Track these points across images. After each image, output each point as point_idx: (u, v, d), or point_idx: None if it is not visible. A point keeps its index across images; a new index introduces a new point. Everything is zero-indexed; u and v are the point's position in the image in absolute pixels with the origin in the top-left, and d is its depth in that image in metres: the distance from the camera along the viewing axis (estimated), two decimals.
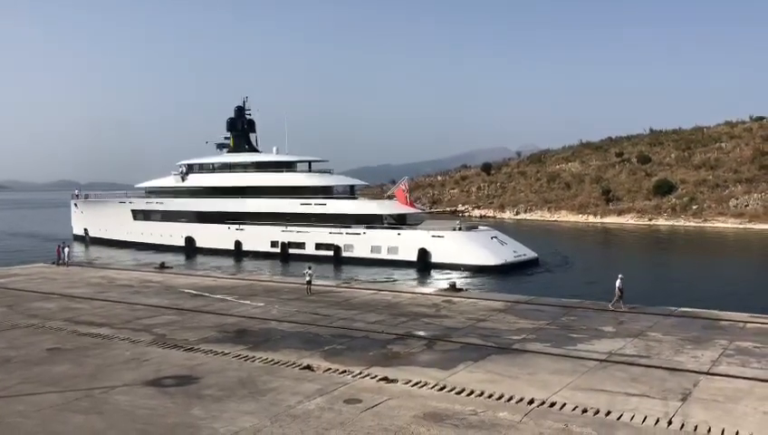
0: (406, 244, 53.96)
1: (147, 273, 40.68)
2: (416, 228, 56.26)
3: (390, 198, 61.34)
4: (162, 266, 42.69)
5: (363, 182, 73.31)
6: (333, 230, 58.09)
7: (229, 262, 58.81)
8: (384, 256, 54.40)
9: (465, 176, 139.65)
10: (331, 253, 57.07)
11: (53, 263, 44.49)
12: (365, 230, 56.60)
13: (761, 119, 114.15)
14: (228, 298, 30.31)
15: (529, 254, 53.74)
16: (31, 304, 29.15)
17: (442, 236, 53.09)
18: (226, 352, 20.48)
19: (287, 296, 30.66)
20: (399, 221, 58.17)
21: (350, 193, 66.02)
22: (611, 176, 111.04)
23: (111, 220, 76.64)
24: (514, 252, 52.78)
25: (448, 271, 49.35)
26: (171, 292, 32.52)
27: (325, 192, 63.06)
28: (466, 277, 46.82)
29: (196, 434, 13.77)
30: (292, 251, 59.51)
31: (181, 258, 62.11)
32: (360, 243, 56.23)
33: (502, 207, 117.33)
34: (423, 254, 52.57)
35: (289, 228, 60.66)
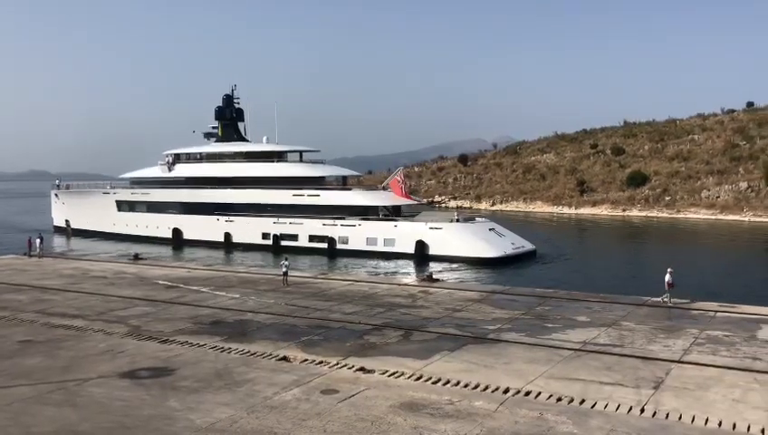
0: (403, 236, 53.21)
1: (121, 264, 40.23)
2: (413, 220, 55.55)
3: (385, 188, 60.34)
4: (136, 258, 42.24)
5: (356, 172, 72.29)
6: (327, 222, 57.03)
7: (219, 254, 57.84)
8: (380, 248, 53.53)
9: (442, 167, 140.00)
10: (325, 245, 56.22)
11: (24, 254, 43.81)
12: (360, 222, 55.70)
13: (732, 111, 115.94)
14: (203, 289, 30.11)
15: (527, 246, 53.17)
16: (1, 296, 28.67)
17: (440, 227, 52.39)
18: (202, 343, 20.36)
19: (263, 288, 30.54)
20: (395, 212, 57.32)
21: (343, 184, 65.04)
22: (586, 167, 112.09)
23: (95, 211, 75.02)
24: (513, 244, 52.20)
25: (447, 263, 48.73)
26: (146, 283, 32.22)
27: (317, 183, 61.99)
28: (466, 270, 46.37)
29: (172, 426, 13.68)
30: (284, 243, 58.44)
31: (168, 250, 61.22)
32: (355, 235, 55.36)
33: (478, 198, 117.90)
34: (420, 246, 51.91)
35: (281, 220, 59.61)
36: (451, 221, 53.87)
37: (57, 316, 24.58)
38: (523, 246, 52.78)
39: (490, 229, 53.67)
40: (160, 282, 32.44)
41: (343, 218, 56.62)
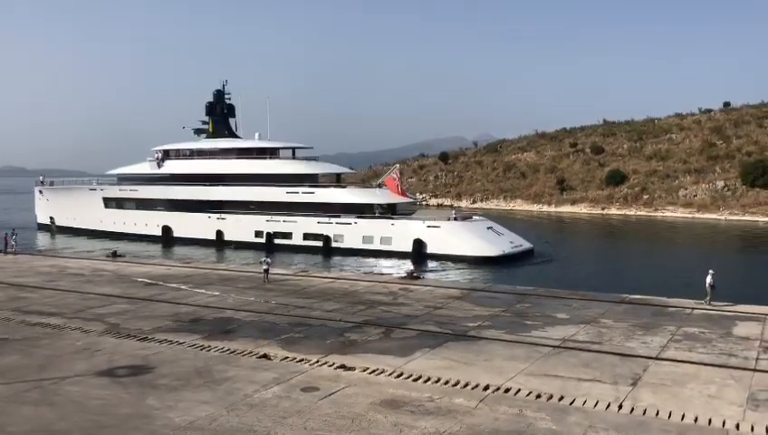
0: (400, 234, 52.54)
1: (99, 261, 39.82)
2: (410, 218, 54.96)
3: (380, 186, 59.58)
4: (115, 255, 41.83)
5: (350, 170, 71.35)
6: (322, 220, 56.15)
7: (210, 252, 56.92)
8: (377, 246, 52.82)
9: (423, 165, 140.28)
10: (320, 243, 55.42)
11: (0, 251, 43.24)
12: (356, 220, 54.90)
13: (709, 111, 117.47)
14: (183, 287, 29.89)
15: (525, 244, 52.69)
16: None
17: (438, 226, 51.82)
18: (181, 341, 20.22)
19: (243, 285, 30.39)
20: (390, 211, 56.60)
21: (337, 181, 64.17)
22: (565, 166, 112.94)
23: (81, 208, 73.46)
24: (511, 243, 51.70)
25: (445, 262, 48.26)
26: (124, 281, 31.93)
27: (311, 180, 61.12)
28: (465, 268, 45.92)
29: (151, 424, 13.58)
30: (277, 241, 57.61)
31: (158, 248, 60.34)
32: (351, 233, 54.59)
33: (459, 196, 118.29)
34: (418, 244, 51.27)
35: (274, 218, 58.63)
36: (449, 219, 53.30)
37: (34, 314, 24.28)
38: (521, 245, 52.30)
39: (488, 228, 53.16)
40: (139, 279, 32.17)
41: (338, 216, 55.84)
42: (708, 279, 24.81)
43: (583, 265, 49.83)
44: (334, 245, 55.15)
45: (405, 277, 32.48)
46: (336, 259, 51.97)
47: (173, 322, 22.98)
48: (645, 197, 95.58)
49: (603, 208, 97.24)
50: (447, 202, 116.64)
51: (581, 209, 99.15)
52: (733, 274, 44.93)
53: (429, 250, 51.11)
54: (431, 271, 46.14)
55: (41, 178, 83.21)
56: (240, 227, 60.54)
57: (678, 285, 33.51)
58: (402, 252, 51.42)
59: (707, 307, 24.34)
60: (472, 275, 44.16)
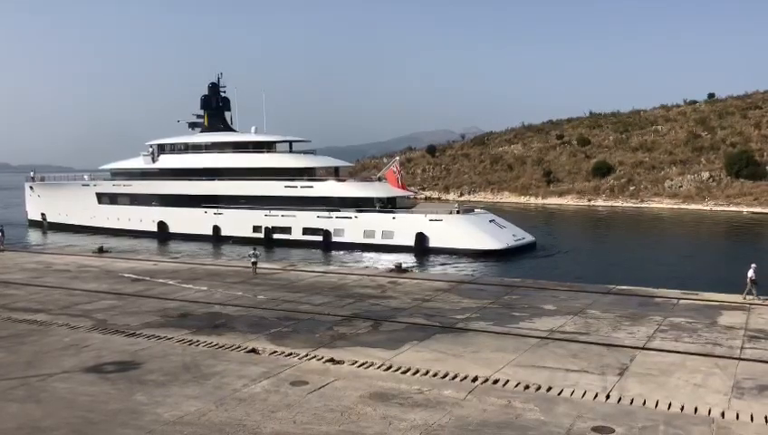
0: (402, 228, 52.14)
1: (85, 257, 39.53)
2: (412, 212, 54.65)
3: (380, 179, 59.27)
4: (101, 251, 41.56)
5: (349, 163, 71.09)
6: (322, 214, 55.61)
7: (207, 248, 56.42)
8: (378, 240, 52.36)
9: (411, 158, 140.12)
10: (320, 238, 54.98)
11: None
12: (357, 214, 54.39)
13: (694, 103, 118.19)
14: (170, 282, 29.77)
15: (527, 237, 52.54)
16: None
17: (440, 219, 51.56)
18: (169, 336, 20.15)
19: (231, 280, 30.30)
20: (390, 204, 56.22)
21: (335, 175, 63.53)
22: (552, 158, 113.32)
23: (73, 204, 72.36)
24: (514, 235, 51.54)
25: (448, 256, 48.11)
26: (111, 276, 31.73)
27: (309, 174, 60.47)
28: (469, 262, 45.70)
29: (140, 420, 13.53)
30: (276, 236, 57.13)
31: (153, 244, 59.73)
32: (351, 227, 54.13)
33: (446, 189, 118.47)
34: (420, 238, 50.93)
35: (272, 212, 58.08)
36: (450, 213, 53.04)
37: (19, 311, 24.09)
38: (523, 238, 52.19)
39: (490, 221, 52.98)
40: (126, 275, 32.00)
41: (338, 210, 55.41)
42: (750, 273, 23.35)
43: (589, 257, 49.73)
44: (335, 239, 54.64)
45: (393, 270, 32.50)
46: (337, 254, 51.60)
47: (161, 317, 22.90)
48: (631, 188, 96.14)
49: (590, 200, 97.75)
50: (435, 195, 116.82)
51: (568, 201, 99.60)
52: (720, 262, 45.44)
53: (432, 244, 50.77)
54: (433, 265, 45.99)
55: (31, 173, 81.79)
56: (238, 223, 59.91)
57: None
58: (404, 246, 50.91)
59: (757, 302, 23.24)
60: (476, 268, 43.83)
